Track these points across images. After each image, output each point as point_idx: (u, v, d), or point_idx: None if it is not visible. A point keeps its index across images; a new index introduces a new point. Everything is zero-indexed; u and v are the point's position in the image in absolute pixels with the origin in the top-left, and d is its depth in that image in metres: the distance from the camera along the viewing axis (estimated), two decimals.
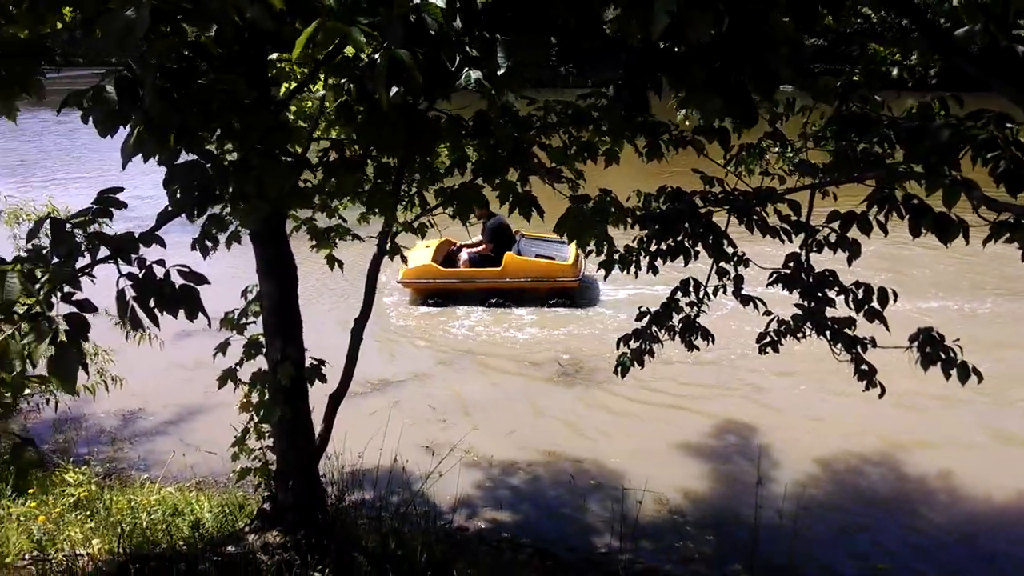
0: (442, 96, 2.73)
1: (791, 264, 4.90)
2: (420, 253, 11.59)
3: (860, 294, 4.70)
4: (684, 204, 4.78)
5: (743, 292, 5.19)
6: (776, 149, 5.29)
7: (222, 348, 4.68)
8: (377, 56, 2.33)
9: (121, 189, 2.85)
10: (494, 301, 11.56)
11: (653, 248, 4.97)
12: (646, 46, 2.33)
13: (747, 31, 2.14)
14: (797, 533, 5.52)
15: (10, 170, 22.82)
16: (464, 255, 11.96)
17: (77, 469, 5.84)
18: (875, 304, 4.67)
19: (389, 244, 4.75)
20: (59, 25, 3.63)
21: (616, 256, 5.11)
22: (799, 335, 5.24)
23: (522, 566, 5.76)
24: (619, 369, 5.53)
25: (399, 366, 9.69)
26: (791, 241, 4.72)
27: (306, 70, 4.46)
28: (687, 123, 4.76)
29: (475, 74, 2.43)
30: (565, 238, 12.51)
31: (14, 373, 2.46)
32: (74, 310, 2.52)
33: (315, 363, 4.62)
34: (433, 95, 2.71)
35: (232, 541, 4.43)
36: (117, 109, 2.30)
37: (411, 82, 2.30)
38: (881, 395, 4.80)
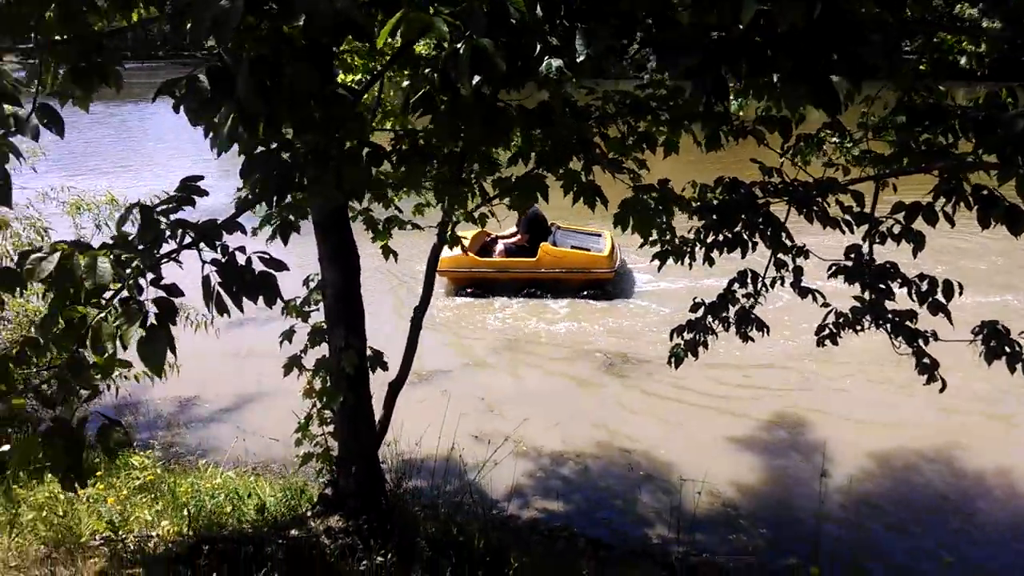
0: (522, 85, 2.74)
1: (852, 256, 4.85)
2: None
3: (924, 286, 4.63)
4: (742, 195, 4.76)
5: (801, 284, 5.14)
6: (834, 139, 5.24)
7: (287, 335, 4.76)
8: (459, 45, 2.35)
9: (201, 177, 2.92)
10: (529, 291, 11.60)
11: (710, 239, 4.95)
12: (728, 34, 2.32)
13: (837, 18, 2.12)
14: (860, 525, 5.48)
15: (60, 162, 23.31)
16: (500, 245, 11.99)
17: (142, 453, 5.99)
18: (939, 297, 4.59)
19: (449, 233, 4.78)
20: (135, 17, 3.73)
21: (670, 247, 5.11)
22: (857, 328, 5.19)
23: (576, 555, 5.79)
24: (672, 360, 5.53)
25: (444, 357, 9.76)
26: (852, 232, 4.67)
27: (371, 63, 4.51)
28: (741, 113, 4.73)
29: (556, 62, 2.44)
30: (601, 231, 12.46)
31: (106, 355, 2.54)
32: (162, 294, 2.59)
33: (374, 352, 4.68)
34: (514, 83, 2.73)
35: (295, 525, 4.52)
36: (209, 98, 2.36)
37: (494, 71, 2.32)
38: (942, 389, 4.73)
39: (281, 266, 2.85)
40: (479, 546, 4.73)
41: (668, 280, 11.65)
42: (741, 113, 4.72)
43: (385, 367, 4.66)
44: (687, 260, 5.21)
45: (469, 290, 11.73)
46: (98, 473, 5.15)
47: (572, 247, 11.79)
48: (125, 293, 2.64)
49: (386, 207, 5.40)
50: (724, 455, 7.23)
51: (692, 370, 5.79)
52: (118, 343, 2.48)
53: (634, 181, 4.17)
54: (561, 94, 3.83)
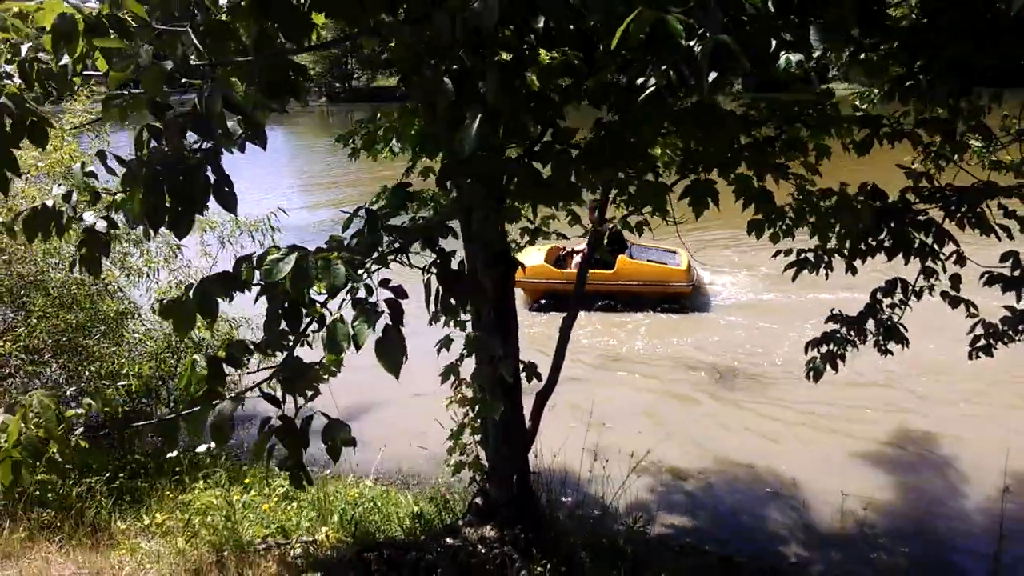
0: (760, 81, 2.73)
1: (1011, 262, 4.69)
2: (532, 255, 11.62)
3: None
4: (892, 202, 4.65)
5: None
6: (977, 143, 5.10)
7: (446, 343, 4.76)
8: (693, 43, 2.34)
9: (409, 184, 2.97)
10: (604, 304, 11.49)
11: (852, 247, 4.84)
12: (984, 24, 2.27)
13: None
14: None
15: None
16: (576, 258, 11.93)
17: None
18: None
19: (605, 241, 4.77)
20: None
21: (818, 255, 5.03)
22: (1005, 340, 5.03)
23: (708, 571, 5.67)
24: (811, 373, 5.41)
25: (544, 372, 9.70)
26: (1011, 239, 4.52)
27: None
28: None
29: (795, 57, 2.41)
30: (676, 248, 12.23)
31: (340, 355, 2.58)
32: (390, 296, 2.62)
33: (527, 363, 4.69)
34: (750, 80, 2.71)
35: (449, 534, 4.52)
36: (455, 100, 2.39)
37: (735, 68, 2.30)
38: None
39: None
40: (630, 558, 4.68)
41: (751, 293, 11.82)
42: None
43: (540, 377, 4.67)
44: (822, 270, 5.12)
45: (543, 301, 11.65)
46: (246, 480, 5.25)
47: (648, 261, 11.74)
48: (341, 296, 2.69)
49: (515, 220, 5.42)
50: (850, 472, 7.01)
51: (801, 386, 5.60)
52: (352, 343, 2.52)
53: (799, 188, 4.11)
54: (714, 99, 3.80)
